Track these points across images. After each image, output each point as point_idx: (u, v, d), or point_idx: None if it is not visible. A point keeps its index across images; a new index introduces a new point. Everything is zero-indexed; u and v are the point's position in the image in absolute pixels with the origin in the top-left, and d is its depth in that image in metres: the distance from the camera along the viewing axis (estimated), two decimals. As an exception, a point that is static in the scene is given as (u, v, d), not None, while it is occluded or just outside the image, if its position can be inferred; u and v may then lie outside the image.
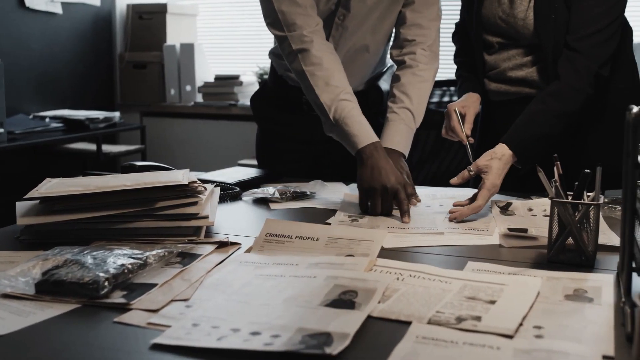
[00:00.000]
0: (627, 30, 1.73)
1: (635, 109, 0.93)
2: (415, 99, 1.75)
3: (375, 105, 1.95)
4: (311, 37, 1.67)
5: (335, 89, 1.65)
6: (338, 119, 1.63)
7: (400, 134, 1.71)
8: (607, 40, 1.61)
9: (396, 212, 1.51)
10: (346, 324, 0.89)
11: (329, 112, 1.64)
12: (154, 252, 1.14)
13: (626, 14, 1.68)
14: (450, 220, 1.46)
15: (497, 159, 1.53)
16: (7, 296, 1.01)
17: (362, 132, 1.61)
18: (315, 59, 1.67)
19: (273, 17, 1.71)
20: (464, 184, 1.58)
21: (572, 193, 1.20)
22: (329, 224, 1.44)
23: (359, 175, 1.56)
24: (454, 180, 1.55)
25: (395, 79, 1.80)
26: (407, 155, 1.71)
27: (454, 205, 1.52)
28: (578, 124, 1.66)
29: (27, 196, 1.31)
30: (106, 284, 1.01)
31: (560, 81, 1.61)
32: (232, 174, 1.87)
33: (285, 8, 1.68)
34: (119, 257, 1.09)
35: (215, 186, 1.52)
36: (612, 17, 1.61)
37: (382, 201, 1.51)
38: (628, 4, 1.65)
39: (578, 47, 1.60)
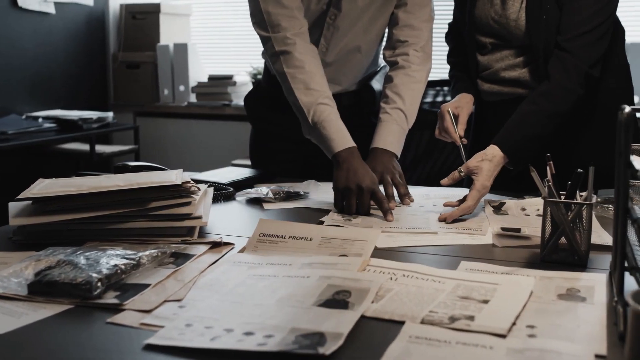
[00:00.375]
0: (619, 30, 1.73)
1: (627, 108, 0.94)
2: (408, 99, 1.76)
3: (367, 105, 1.95)
4: (294, 40, 1.68)
5: (314, 93, 1.66)
6: (317, 122, 1.64)
7: (393, 135, 1.72)
8: (598, 40, 1.62)
9: (378, 212, 1.51)
10: (339, 323, 0.89)
11: (307, 114, 1.66)
12: (147, 253, 1.14)
13: (618, 13, 1.69)
14: (440, 221, 1.46)
15: (488, 161, 1.54)
16: (-1, 297, 1.01)
17: (339, 136, 1.62)
18: (297, 61, 1.68)
19: (259, 17, 1.72)
20: (456, 184, 1.58)
21: (564, 193, 1.20)
22: (323, 222, 1.45)
23: (334, 177, 1.57)
24: (444, 181, 1.56)
25: (388, 79, 1.81)
26: (399, 156, 1.72)
27: (444, 206, 1.53)
28: (569, 124, 1.66)
29: (19, 197, 1.30)
30: (99, 284, 1.01)
31: (550, 81, 1.61)
32: (226, 174, 1.87)
33: (272, 9, 1.68)
34: (112, 258, 1.09)
35: (208, 186, 1.52)
36: (602, 18, 1.61)
37: (358, 201, 1.51)
38: (620, 4, 1.66)
39: (568, 48, 1.61)
